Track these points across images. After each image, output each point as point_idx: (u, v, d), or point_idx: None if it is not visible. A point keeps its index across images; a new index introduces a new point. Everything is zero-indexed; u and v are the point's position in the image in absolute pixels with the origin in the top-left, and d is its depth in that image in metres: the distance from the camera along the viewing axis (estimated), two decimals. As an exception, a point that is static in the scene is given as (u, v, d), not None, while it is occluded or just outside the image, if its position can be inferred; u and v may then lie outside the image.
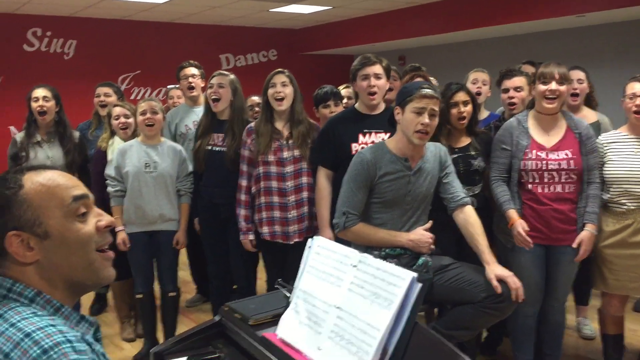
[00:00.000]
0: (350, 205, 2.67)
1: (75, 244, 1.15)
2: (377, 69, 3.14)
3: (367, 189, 2.66)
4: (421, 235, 2.63)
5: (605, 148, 3.12)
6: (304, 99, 3.48)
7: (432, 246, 2.65)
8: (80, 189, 1.20)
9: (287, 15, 8.63)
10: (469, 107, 3.17)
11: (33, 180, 1.14)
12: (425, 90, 2.57)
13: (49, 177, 1.16)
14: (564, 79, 2.95)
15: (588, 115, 3.63)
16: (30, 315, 1.07)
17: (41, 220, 1.12)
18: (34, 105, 3.87)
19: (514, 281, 2.47)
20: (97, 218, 1.20)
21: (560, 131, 3.03)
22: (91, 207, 1.20)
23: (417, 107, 2.57)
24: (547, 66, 2.98)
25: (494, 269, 2.51)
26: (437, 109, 2.60)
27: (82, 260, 1.17)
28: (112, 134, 3.90)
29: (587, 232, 2.95)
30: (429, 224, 2.68)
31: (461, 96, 3.16)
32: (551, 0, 6.52)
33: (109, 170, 3.64)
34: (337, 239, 2.87)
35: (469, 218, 2.71)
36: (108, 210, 3.67)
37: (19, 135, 3.96)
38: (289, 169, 3.34)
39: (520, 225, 2.92)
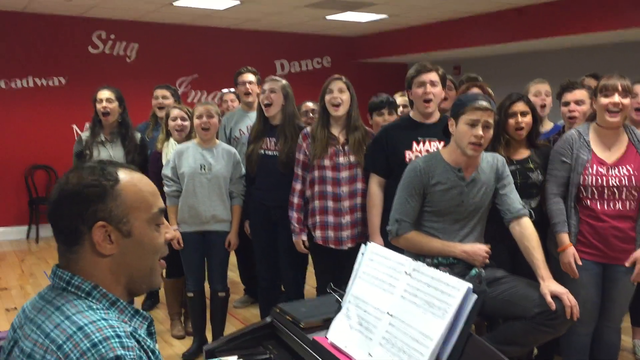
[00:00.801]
0: (403, 213, 2.67)
1: (149, 250, 1.22)
2: (433, 76, 3.12)
3: (420, 197, 2.65)
4: (477, 248, 2.60)
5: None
6: (358, 106, 3.49)
7: (487, 260, 2.60)
8: (162, 200, 1.26)
9: (342, 23, 8.67)
10: (528, 118, 3.11)
11: (127, 178, 1.19)
12: (479, 102, 2.54)
13: (140, 179, 1.22)
14: (627, 92, 2.86)
15: (654, 131, 3.50)
16: (86, 308, 1.11)
17: (128, 218, 1.17)
18: (98, 106, 4.01)
19: (569, 298, 2.40)
20: (165, 230, 1.27)
21: (621, 146, 2.93)
22: (164, 219, 1.27)
23: (470, 119, 2.54)
24: (610, 78, 2.89)
25: (549, 285, 2.45)
26: (491, 121, 2.57)
27: (148, 265, 1.23)
28: (168, 135, 4.01)
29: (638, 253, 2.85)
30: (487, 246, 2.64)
31: (520, 106, 3.10)
32: (615, 12, 6.33)
33: (166, 171, 3.75)
34: (388, 246, 2.86)
35: (525, 231, 2.65)
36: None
37: (84, 134, 4.12)
38: (345, 174, 3.36)
39: (572, 255, 2.86)
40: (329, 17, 8.15)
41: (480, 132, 2.53)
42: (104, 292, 1.15)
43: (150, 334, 1.22)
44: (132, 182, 1.19)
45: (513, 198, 2.73)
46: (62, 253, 1.19)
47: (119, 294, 1.19)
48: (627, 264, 2.86)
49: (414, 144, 3.16)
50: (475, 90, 3.61)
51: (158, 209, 1.22)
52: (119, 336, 1.05)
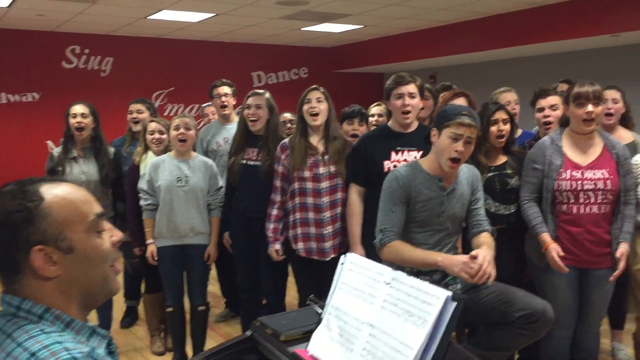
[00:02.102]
0: (388, 222, 2.63)
1: (97, 259, 1.16)
2: (411, 88, 3.15)
3: (403, 205, 2.63)
4: (456, 258, 2.49)
5: (641, 169, 3.07)
6: (336, 116, 3.50)
7: (469, 270, 2.50)
8: (98, 205, 1.19)
9: (318, 34, 8.70)
10: (508, 127, 3.17)
11: (52, 193, 1.12)
12: (464, 118, 2.53)
13: (68, 191, 1.15)
14: (599, 99, 2.91)
15: (623, 136, 3.57)
16: (38, 333, 1.05)
17: (65, 234, 1.11)
18: (71, 121, 3.96)
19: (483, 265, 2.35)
20: (110, 234, 1.21)
21: (596, 150, 2.98)
22: (105, 223, 1.21)
23: (454, 133, 2.54)
24: (582, 86, 2.94)
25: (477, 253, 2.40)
26: (474, 137, 2.57)
27: (100, 275, 1.17)
28: (146, 148, 3.98)
29: (622, 250, 2.89)
30: (474, 252, 2.50)
31: (502, 114, 3.15)
32: (586, 20, 6.45)
33: (142, 184, 3.71)
34: (369, 256, 2.86)
35: (481, 238, 2.66)
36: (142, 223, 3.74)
37: (56, 150, 4.05)
38: (325, 184, 3.36)
39: (555, 250, 2.87)
40: (304, 29, 8.18)
41: (461, 147, 2.53)
42: (58, 314, 1.10)
43: (111, 352, 1.18)
44: (59, 196, 1.12)
45: (482, 213, 2.76)
46: (5, 284, 1.13)
47: (73, 313, 1.13)
48: (617, 254, 2.86)
49: (393, 154, 3.17)
50: (462, 100, 3.63)
51: (95, 215, 1.16)
52: (75, 358, 1.01)
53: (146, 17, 7.20)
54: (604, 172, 2.91)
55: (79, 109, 3.98)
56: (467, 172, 2.75)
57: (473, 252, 2.42)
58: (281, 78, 10.02)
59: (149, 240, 3.69)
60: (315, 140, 3.42)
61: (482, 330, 2.68)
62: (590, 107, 2.88)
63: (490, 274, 2.35)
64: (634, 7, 6.01)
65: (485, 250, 2.44)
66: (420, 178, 2.64)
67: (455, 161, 2.56)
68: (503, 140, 3.15)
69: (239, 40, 9.21)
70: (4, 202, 1.10)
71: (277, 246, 3.47)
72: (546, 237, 2.93)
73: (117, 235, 1.22)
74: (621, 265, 2.88)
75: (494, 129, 3.14)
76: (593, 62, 7.62)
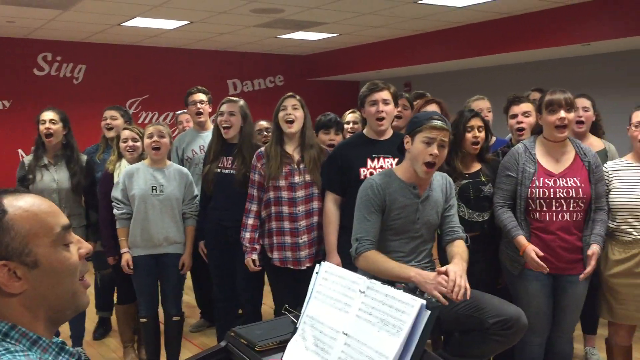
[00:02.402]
0: (363, 231, 2.63)
1: (64, 274, 1.10)
2: (385, 94, 3.17)
3: (378, 213, 2.63)
4: (429, 276, 2.44)
5: (611, 176, 3.12)
6: (312, 124, 3.50)
7: (441, 287, 2.40)
8: (64, 217, 1.15)
9: (294, 42, 8.72)
10: (483, 134, 3.20)
11: (15, 205, 1.07)
12: (436, 121, 2.56)
13: (31, 202, 1.10)
14: (571, 106, 2.96)
15: (594, 143, 3.63)
16: (3, 352, 1.01)
17: (30, 248, 1.06)
18: (41, 127, 3.90)
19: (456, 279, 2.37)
20: (78, 246, 1.16)
21: (568, 158, 3.02)
22: (72, 235, 1.16)
23: (427, 137, 2.56)
24: (554, 93, 2.99)
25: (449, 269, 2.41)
26: (446, 140, 2.59)
27: (68, 289, 1.12)
28: (120, 156, 3.93)
29: (594, 250, 2.92)
30: (443, 269, 2.47)
31: (477, 121, 3.19)
32: (557, 29, 6.57)
33: (116, 193, 3.66)
34: (345, 265, 2.86)
35: (456, 247, 2.66)
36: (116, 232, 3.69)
37: (27, 158, 3.98)
38: (300, 193, 3.35)
39: (533, 251, 2.90)
40: (280, 36, 8.19)
41: (435, 150, 2.55)
42: (24, 332, 1.05)
43: None
44: (23, 208, 1.07)
45: (456, 220, 2.78)
46: None
47: (40, 331, 1.09)
48: (588, 253, 2.90)
49: (369, 161, 3.18)
50: (434, 107, 3.66)
51: (61, 228, 1.11)
52: None
53: (120, 25, 7.14)
54: (576, 180, 2.95)
55: (48, 115, 3.92)
56: (440, 180, 2.76)
57: (442, 268, 2.42)
58: (257, 86, 10.01)
59: (124, 250, 3.63)
60: (291, 148, 3.41)
61: (457, 337, 2.69)
62: (562, 113, 2.92)
63: (466, 287, 2.35)
64: (603, 17, 6.14)
65: (455, 265, 2.45)
66: (395, 186, 2.65)
67: (430, 165, 2.58)
68: (478, 147, 3.19)
69: (215, 47, 9.18)
70: None
71: (254, 256, 3.45)
72: (522, 239, 2.95)
73: (86, 247, 1.17)
74: (592, 263, 2.91)
75: (469, 135, 3.17)
76: (564, 70, 7.76)
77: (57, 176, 3.90)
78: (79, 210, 3.97)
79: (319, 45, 9.15)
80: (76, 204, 3.95)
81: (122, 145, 3.88)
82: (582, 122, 3.64)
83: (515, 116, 3.63)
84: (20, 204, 1.08)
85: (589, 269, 2.91)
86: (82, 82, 8.45)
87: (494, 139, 3.93)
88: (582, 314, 3.33)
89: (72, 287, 1.13)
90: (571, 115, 2.97)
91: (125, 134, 3.89)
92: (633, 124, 3.08)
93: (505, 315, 2.46)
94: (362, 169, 3.16)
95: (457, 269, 2.40)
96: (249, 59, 9.71)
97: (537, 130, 3.16)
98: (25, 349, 1.04)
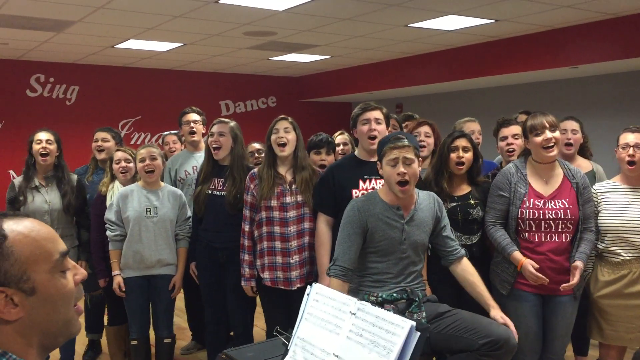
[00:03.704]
0: (340, 252, 2.67)
1: (60, 301, 1.08)
2: (378, 114, 3.21)
3: (359, 236, 2.66)
4: None
5: (600, 197, 3.16)
6: (304, 146, 3.53)
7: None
8: (62, 242, 1.13)
9: (286, 64, 8.80)
10: (469, 155, 3.20)
11: (15, 230, 1.05)
12: (395, 141, 2.61)
13: (30, 228, 1.07)
14: (554, 127, 3.00)
15: (583, 165, 3.68)
16: None
17: (28, 275, 1.03)
18: (36, 147, 3.90)
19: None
20: (74, 272, 1.13)
21: (557, 180, 3.06)
22: (69, 261, 1.14)
23: (390, 160, 2.61)
24: (535, 118, 3.03)
25: (499, 312, 2.62)
26: (410, 156, 2.61)
27: (63, 317, 1.10)
28: (113, 178, 3.94)
29: (577, 264, 2.93)
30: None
31: (462, 142, 3.20)
32: (545, 52, 6.68)
33: (109, 215, 3.66)
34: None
35: (467, 268, 2.78)
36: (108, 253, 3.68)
37: (17, 180, 3.97)
38: (292, 214, 3.37)
39: (530, 265, 2.91)
40: (272, 58, 8.27)
41: (402, 169, 2.59)
42: (15, 359, 1.02)
43: None
44: (23, 234, 1.05)
45: (452, 238, 2.83)
46: None
47: (32, 358, 1.07)
48: (571, 279, 2.92)
49: (361, 183, 3.20)
50: (426, 128, 3.71)
51: (59, 254, 1.09)
52: None
53: (113, 47, 7.19)
54: (564, 202, 2.99)
55: (44, 135, 3.93)
56: (427, 199, 2.79)
57: (498, 316, 2.59)
58: (249, 107, 10.07)
59: (115, 272, 3.62)
60: (283, 170, 3.43)
61: (448, 358, 2.70)
62: (548, 134, 2.96)
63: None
64: (591, 41, 6.25)
65: (496, 309, 2.64)
66: (378, 207, 2.68)
67: (403, 184, 2.61)
68: (462, 167, 3.19)
69: (208, 69, 9.25)
70: None
71: (253, 283, 3.46)
72: (518, 254, 2.97)
73: (81, 273, 1.15)
74: (576, 276, 2.91)
75: (453, 155, 3.19)
76: (553, 93, 7.86)
77: (48, 197, 3.90)
78: (71, 231, 3.96)
79: (311, 67, 9.24)
80: (68, 225, 3.94)
81: (115, 166, 3.89)
82: (570, 145, 3.69)
83: (505, 138, 3.68)
84: (20, 228, 1.06)
85: (573, 281, 2.91)
86: (75, 103, 8.47)
87: (481, 160, 3.97)
88: (573, 336, 3.34)
89: (67, 315, 1.11)
90: (557, 134, 3.01)
91: (118, 155, 3.90)
92: (620, 146, 3.12)
93: (495, 336, 2.48)
94: (354, 190, 3.18)
95: (497, 312, 2.63)
96: (241, 81, 9.78)
97: (525, 153, 3.20)
98: None
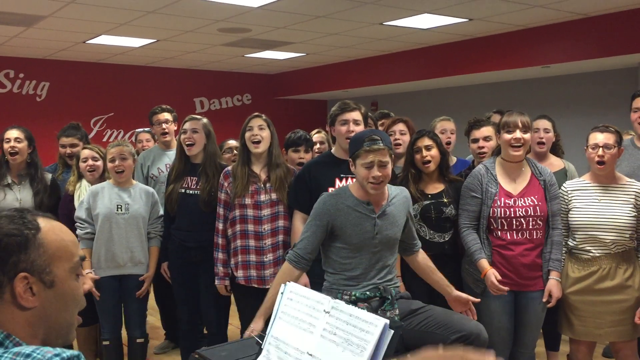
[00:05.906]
0: (300, 240, 2.68)
1: (71, 301, 1.17)
2: (356, 115, 3.20)
3: (323, 230, 2.64)
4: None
5: (570, 195, 3.20)
6: (279, 143, 3.51)
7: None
8: (80, 250, 1.23)
9: (262, 61, 8.77)
10: (433, 152, 3.23)
11: (48, 226, 1.15)
12: (370, 145, 2.57)
13: (60, 227, 1.18)
14: (527, 127, 3.05)
15: (554, 163, 3.73)
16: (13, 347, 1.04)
17: (51, 268, 1.13)
18: (5, 146, 3.82)
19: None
20: (84, 281, 1.23)
21: (525, 178, 3.11)
22: (82, 270, 1.23)
23: (365, 163, 2.58)
24: (511, 115, 3.08)
25: (459, 292, 2.80)
26: (385, 159, 2.58)
27: (69, 318, 1.18)
28: (80, 177, 3.86)
29: (553, 281, 3.03)
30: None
31: (424, 141, 3.24)
32: (518, 52, 6.76)
33: (80, 213, 3.60)
34: (313, 285, 2.86)
35: (425, 257, 2.87)
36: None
37: (-11, 178, 3.89)
38: (266, 212, 3.35)
39: (493, 275, 2.96)
40: (247, 55, 8.22)
41: (377, 172, 2.57)
42: (17, 341, 1.08)
43: None
44: (54, 231, 1.15)
45: (414, 231, 2.87)
46: None
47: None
48: (544, 299, 3.02)
49: (337, 181, 3.20)
50: (401, 126, 3.72)
51: (79, 258, 1.19)
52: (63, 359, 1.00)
53: (85, 42, 7.08)
54: (533, 199, 3.04)
55: (13, 133, 3.85)
56: (399, 194, 2.78)
57: (458, 294, 2.81)
58: (224, 104, 10.01)
59: (87, 270, 3.56)
60: (257, 167, 3.41)
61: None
62: (518, 134, 3.01)
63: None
64: (562, 41, 6.34)
65: (455, 290, 2.83)
66: (348, 202, 2.67)
67: (377, 183, 2.61)
68: (430, 165, 3.23)
69: (182, 66, 9.16)
70: (2, 224, 1.12)
71: (227, 282, 3.44)
72: (484, 263, 3.01)
73: (88, 284, 1.27)
74: (553, 299, 3.02)
75: (418, 157, 3.24)
76: (525, 91, 7.97)
77: (20, 195, 3.82)
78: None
79: (287, 65, 9.22)
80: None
81: (82, 165, 3.81)
82: (543, 143, 3.74)
83: (476, 140, 3.69)
84: (52, 226, 1.17)
85: (552, 302, 3.02)
86: (45, 99, 8.33)
87: (454, 159, 4.00)
88: (544, 331, 3.39)
89: (72, 318, 1.19)
90: (527, 136, 3.05)
91: (85, 153, 3.83)
92: (590, 146, 3.16)
93: (466, 331, 2.50)
94: (331, 189, 3.17)
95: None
96: (216, 78, 9.72)
97: (496, 151, 3.24)
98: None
